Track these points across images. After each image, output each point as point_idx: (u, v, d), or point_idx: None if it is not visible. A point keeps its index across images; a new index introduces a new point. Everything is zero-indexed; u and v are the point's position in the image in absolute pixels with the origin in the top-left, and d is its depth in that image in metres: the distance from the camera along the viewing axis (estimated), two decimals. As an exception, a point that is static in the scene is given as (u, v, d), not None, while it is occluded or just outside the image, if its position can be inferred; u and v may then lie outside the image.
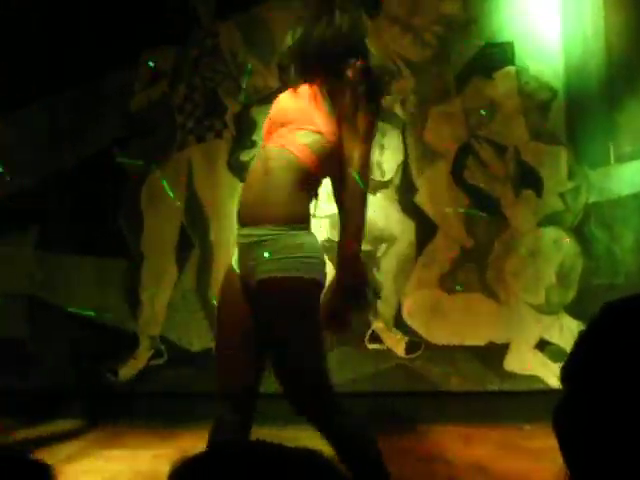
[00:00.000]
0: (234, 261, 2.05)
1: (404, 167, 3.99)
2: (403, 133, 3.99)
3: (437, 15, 4.03)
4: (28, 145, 4.19)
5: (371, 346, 3.92)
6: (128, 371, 4.06)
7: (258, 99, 4.09)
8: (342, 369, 3.74)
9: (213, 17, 4.19)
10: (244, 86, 4.06)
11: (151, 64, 4.17)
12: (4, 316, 4.12)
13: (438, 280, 3.93)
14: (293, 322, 1.91)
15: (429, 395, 3.86)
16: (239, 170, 4.04)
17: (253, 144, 4.06)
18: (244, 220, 2.00)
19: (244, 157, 4.08)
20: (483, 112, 3.91)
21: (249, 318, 1.98)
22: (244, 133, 4.11)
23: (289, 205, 1.95)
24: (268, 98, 4.06)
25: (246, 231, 1.97)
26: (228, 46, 4.16)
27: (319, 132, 1.96)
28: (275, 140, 2.00)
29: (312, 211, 2.03)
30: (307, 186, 1.99)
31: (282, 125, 2.00)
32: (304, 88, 2.03)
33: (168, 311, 4.09)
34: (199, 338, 4.04)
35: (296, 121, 1.98)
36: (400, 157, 3.99)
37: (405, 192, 3.98)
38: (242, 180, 4.07)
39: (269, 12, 4.13)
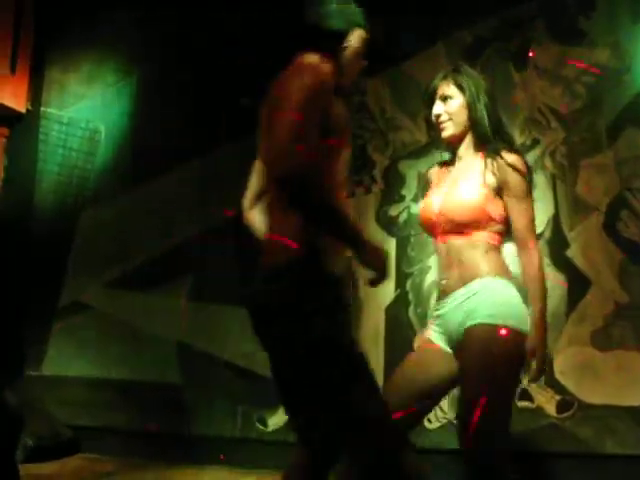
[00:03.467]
0: None
1: (555, 220, 3.90)
2: (554, 186, 3.92)
3: (587, 65, 3.96)
4: (184, 201, 4.42)
5: (521, 404, 3.82)
6: (277, 420, 4.14)
7: (406, 154, 4.15)
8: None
9: (360, 75, 4.28)
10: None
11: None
12: (160, 362, 4.32)
13: (590, 337, 3.80)
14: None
15: (582, 457, 3.71)
16: (387, 224, 4.09)
17: (401, 198, 4.11)
18: None
19: (392, 212, 4.12)
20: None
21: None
22: (392, 187, 4.16)
23: None
24: (415, 153, 4.14)
25: None
26: (376, 102, 4.25)
27: None
28: None
29: None
30: None
31: None
32: None
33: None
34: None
35: None
36: (551, 210, 3.91)
37: (556, 246, 3.88)
38: (390, 234, 4.12)
39: (416, 67, 4.18)
